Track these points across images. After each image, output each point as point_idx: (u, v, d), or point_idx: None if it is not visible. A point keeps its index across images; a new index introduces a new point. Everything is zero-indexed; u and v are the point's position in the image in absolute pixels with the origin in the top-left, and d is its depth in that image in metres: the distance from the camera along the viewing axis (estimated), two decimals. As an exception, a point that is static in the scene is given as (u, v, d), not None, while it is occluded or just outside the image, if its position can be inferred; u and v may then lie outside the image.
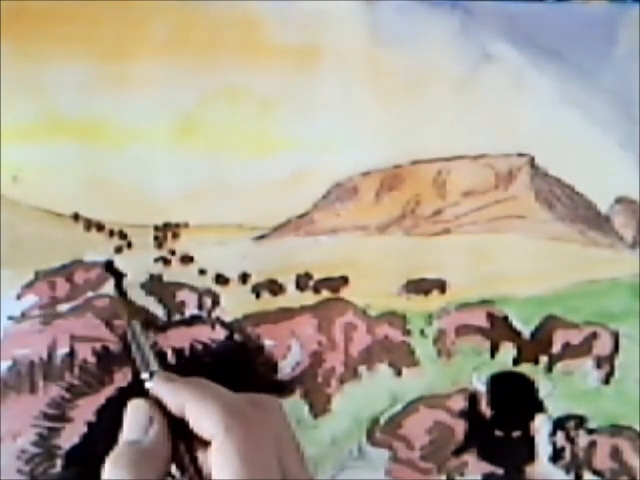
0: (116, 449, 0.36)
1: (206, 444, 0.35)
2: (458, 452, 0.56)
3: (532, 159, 0.59)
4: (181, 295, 0.54)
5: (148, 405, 0.37)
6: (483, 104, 0.58)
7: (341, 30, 0.56)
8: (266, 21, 0.55)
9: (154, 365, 0.40)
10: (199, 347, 0.52)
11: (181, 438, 0.36)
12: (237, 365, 0.53)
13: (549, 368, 0.57)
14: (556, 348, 0.57)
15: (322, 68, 0.56)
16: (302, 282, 0.55)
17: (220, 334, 0.53)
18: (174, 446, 0.36)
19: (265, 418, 0.37)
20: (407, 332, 0.56)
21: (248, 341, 0.54)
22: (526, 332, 0.57)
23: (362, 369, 0.55)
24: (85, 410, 0.50)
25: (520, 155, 0.59)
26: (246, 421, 0.35)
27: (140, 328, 0.43)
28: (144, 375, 0.39)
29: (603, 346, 0.58)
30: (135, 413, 0.37)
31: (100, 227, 0.53)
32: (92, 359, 0.51)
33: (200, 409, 0.35)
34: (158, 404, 0.37)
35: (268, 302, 0.55)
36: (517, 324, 0.57)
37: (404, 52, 0.57)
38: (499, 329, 0.57)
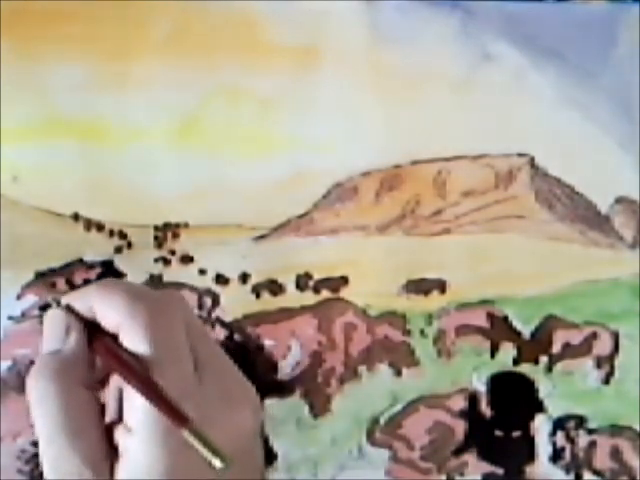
0: (36, 362, 0.34)
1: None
2: (458, 452, 0.56)
3: (532, 159, 0.59)
4: (181, 295, 0.54)
5: (63, 314, 0.36)
6: (483, 104, 0.58)
7: (341, 30, 0.56)
8: (266, 21, 0.55)
9: None
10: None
11: (100, 340, 0.35)
12: (237, 365, 0.53)
13: (549, 368, 0.57)
14: (556, 348, 0.57)
15: (322, 68, 0.56)
16: (302, 282, 0.55)
17: (220, 334, 0.53)
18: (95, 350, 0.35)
19: (172, 303, 0.36)
20: (407, 332, 0.56)
21: (248, 341, 0.54)
22: (526, 332, 0.57)
23: (362, 369, 0.55)
24: (85, 410, 0.50)
25: (520, 155, 0.59)
26: (151, 305, 0.34)
27: None
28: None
29: (603, 346, 0.58)
30: (51, 323, 0.36)
31: (100, 227, 0.53)
32: (92, 359, 0.51)
33: (104, 301, 0.34)
34: (73, 313, 0.36)
35: (268, 302, 0.55)
36: (517, 324, 0.57)
37: (404, 52, 0.57)
38: (499, 329, 0.57)
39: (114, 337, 0.34)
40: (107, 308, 0.34)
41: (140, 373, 0.33)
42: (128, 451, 0.33)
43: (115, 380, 0.35)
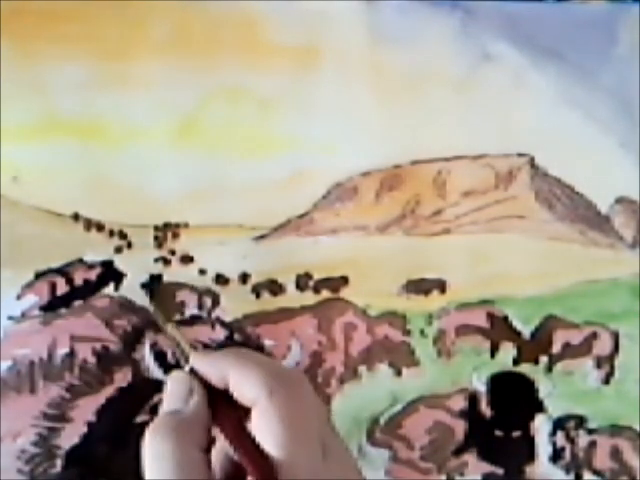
0: (155, 420, 0.35)
1: (246, 414, 0.34)
2: (458, 452, 0.56)
3: (532, 159, 0.59)
4: (181, 295, 0.54)
5: (188, 376, 0.36)
6: (483, 104, 0.58)
7: (341, 30, 0.56)
8: (266, 21, 0.55)
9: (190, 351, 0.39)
10: (199, 347, 0.52)
11: (223, 408, 0.35)
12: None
13: (549, 368, 0.57)
14: (556, 348, 0.57)
15: (322, 68, 0.56)
16: (302, 282, 0.55)
17: (220, 334, 0.53)
18: (215, 417, 0.35)
19: (305, 386, 0.36)
20: (407, 332, 0.56)
21: (248, 341, 0.54)
22: (526, 332, 0.57)
23: (362, 369, 0.55)
24: (85, 410, 0.50)
25: (520, 155, 0.59)
26: (289, 386, 0.34)
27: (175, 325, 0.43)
28: (183, 363, 0.38)
29: (603, 346, 0.58)
30: (175, 384, 0.36)
31: (100, 227, 0.53)
32: (92, 359, 0.51)
33: (242, 374, 0.34)
34: (197, 376, 0.36)
35: (268, 302, 0.55)
36: (517, 324, 0.57)
37: (404, 52, 0.57)
38: (499, 329, 0.57)
39: (234, 405, 0.35)
40: (244, 382, 0.34)
41: (258, 454, 0.33)
42: None
43: (224, 446, 0.35)
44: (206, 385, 0.35)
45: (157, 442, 0.33)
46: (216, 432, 0.35)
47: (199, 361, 0.36)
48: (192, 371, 0.36)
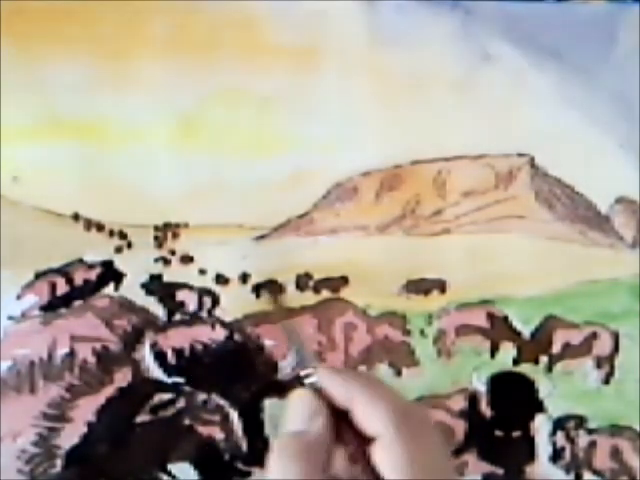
0: (280, 440, 0.35)
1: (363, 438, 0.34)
2: (458, 452, 0.56)
3: (532, 159, 0.59)
4: (181, 295, 0.54)
5: (312, 396, 0.36)
6: (483, 104, 0.58)
7: (341, 30, 0.56)
8: (266, 21, 0.55)
9: (314, 362, 0.39)
10: (199, 347, 0.52)
11: (346, 429, 0.35)
12: (237, 365, 0.53)
13: (549, 368, 0.57)
14: (556, 348, 0.57)
15: (322, 68, 0.56)
16: (302, 282, 0.55)
17: (220, 334, 0.53)
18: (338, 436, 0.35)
19: (429, 423, 0.36)
20: (407, 332, 0.56)
21: (248, 341, 0.54)
22: (526, 332, 0.57)
23: (362, 369, 0.55)
24: (85, 410, 0.50)
25: (520, 155, 0.59)
26: (416, 423, 0.34)
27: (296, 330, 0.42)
28: (307, 371, 0.38)
29: (603, 346, 0.58)
30: (299, 404, 0.36)
31: (100, 227, 0.53)
32: (92, 359, 0.51)
33: (370, 404, 0.34)
34: (322, 396, 0.36)
35: (268, 302, 0.55)
36: (517, 324, 0.57)
37: (404, 52, 0.57)
38: (499, 329, 0.57)
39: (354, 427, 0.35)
40: (371, 413, 0.34)
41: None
42: None
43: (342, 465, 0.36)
44: (330, 406, 0.35)
45: (284, 463, 0.33)
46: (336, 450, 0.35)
47: (326, 378, 0.36)
48: (312, 385, 0.36)
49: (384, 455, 0.33)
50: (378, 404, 0.34)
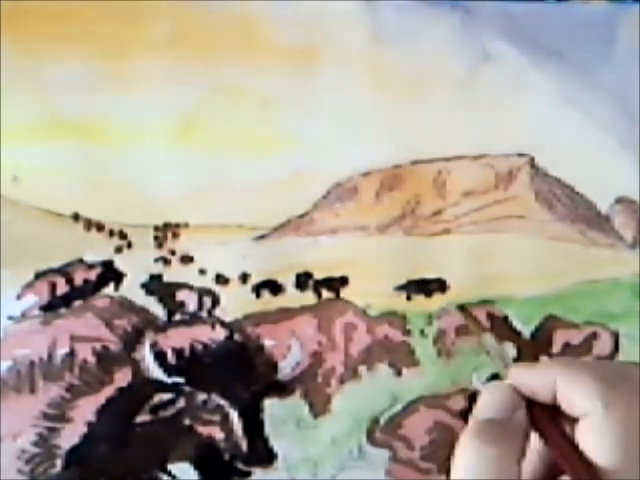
0: (472, 426, 0.33)
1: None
2: (458, 452, 0.56)
3: (532, 159, 0.59)
4: (181, 295, 0.54)
5: (512, 388, 0.34)
6: (483, 104, 0.58)
7: (341, 30, 0.56)
8: (266, 21, 0.55)
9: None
10: (199, 347, 0.52)
11: (545, 418, 0.33)
12: (237, 365, 0.53)
13: (549, 368, 0.57)
14: (556, 348, 0.57)
15: (322, 68, 0.56)
16: (302, 282, 0.55)
17: (220, 334, 0.53)
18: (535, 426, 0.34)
19: None
20: (407, 332, 0.56)
21: (248, 341, 0.54)
22: (526, 332, 0.57)
23: (362, 369, 0.55)
24: (85, 410, 0.50)
25: (520, 155, 0.59)
26: (627, 399, 0.31)
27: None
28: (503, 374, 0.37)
29: (603, 346, 0.58)
30: (497, 394, 0.34)
31: (100, 227, 0.53)
32: (92, 359, 0.51)
33: (573, 383, 0.32)
34: (518, 392, 0.34)
35: (268, 302, 0.55)
36: (517, 324, 0.57)
37: (404, 52, 0.57)
38: (499, 329, 0.57)
39: (555, 413, 0.33)
40: (576, 391, 0.32)
41: (585, 466, 0.31)
42: None
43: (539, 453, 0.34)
44: (525, 398, 0.34)
45: (478, 445, 0.32)
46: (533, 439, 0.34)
47: (523, 374, 0.35)
48: (512, 387, 0.35)
49: (591, 434, 0.31)
50: (582, 381, 0.32)
